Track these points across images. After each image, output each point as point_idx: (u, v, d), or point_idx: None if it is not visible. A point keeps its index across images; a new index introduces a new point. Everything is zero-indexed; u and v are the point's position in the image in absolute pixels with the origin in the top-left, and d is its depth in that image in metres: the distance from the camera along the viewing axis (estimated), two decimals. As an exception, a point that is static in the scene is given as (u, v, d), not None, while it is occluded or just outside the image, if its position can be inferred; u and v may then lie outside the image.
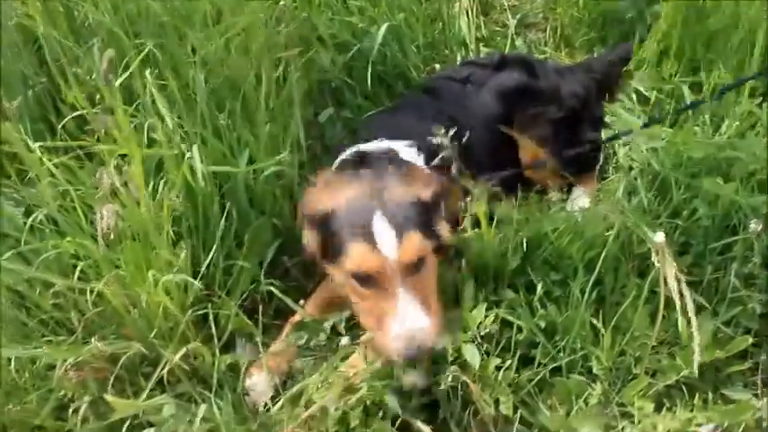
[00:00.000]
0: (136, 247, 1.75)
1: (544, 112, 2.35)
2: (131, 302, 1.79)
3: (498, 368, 1.73)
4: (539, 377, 1.77)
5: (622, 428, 1.74)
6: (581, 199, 2.32)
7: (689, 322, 1.60)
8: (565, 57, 2.95)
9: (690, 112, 2.33)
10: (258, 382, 1.85)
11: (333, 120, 2.38)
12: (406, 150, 1.99)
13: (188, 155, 1.86)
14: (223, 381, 1.80)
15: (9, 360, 1.77)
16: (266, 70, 2.06)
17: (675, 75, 2.60)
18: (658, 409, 1.76)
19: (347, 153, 2.02)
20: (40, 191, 1.76)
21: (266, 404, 1.83)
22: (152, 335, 1.75)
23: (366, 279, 1.67)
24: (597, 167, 2.38)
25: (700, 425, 1.69)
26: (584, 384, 1.76)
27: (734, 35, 2.47)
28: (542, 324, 1.79)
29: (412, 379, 1.68)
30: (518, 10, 3.16)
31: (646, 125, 2.31)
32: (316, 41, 2.43)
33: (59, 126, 1.97)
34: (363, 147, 2.01)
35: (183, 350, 1.68)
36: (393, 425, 1.71)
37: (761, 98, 2.35)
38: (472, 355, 1.70)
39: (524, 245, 1.87)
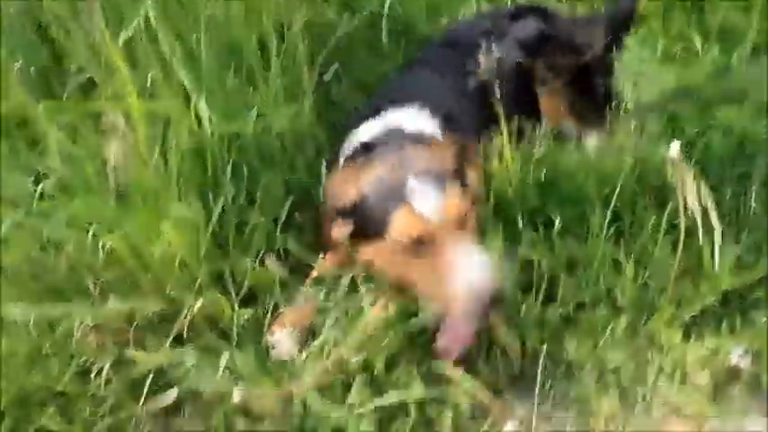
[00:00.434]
0: (147, 205, 1.73)
1: (563, 60, 2.33)
2: (146, 261, 1.77)
3: (523, 302, 1.72)
4: (563, 312, 1.75)
5: (651, 358, 1.72)
6: (595, 142, 2.30)
7: (712, 241, 1.57)
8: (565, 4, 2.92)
9: (699, 48, 2.31)
10: (281, 338, 1.83)
11: (338, 76, 2.36)
12: (416, 118, 1.96)
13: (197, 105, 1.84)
14: (244, 334, 1.79)
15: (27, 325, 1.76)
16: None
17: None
18: (686, 338, 1.74)
19: (355, 140, 1.95)
20: (48, 150, 1.75)
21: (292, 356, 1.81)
22: (168, 288, 1.73)
23: (416, 247, 1.64)
24: (609, 113, 2.37)
25: (729, 350, 1.67)
26: (609, 317, 1.74)
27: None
28: (563, 258, 1.77)
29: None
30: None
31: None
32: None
33: (64, 93, 1.95)
34: (368, 129, 1.96)
35: (201, 300, 1.66)
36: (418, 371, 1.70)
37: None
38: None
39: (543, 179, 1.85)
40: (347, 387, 1.69)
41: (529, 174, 1.88)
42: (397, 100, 2.01)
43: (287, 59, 2.14)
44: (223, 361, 1.64)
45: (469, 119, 2.05)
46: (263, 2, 2.13)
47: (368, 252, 1.75)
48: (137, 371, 1.69)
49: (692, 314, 1.75)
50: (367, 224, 1.71)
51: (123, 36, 1.78)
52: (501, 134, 1.84)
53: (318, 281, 1.91)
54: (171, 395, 1.73)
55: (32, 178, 1.96)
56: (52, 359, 1.76)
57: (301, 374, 1.73)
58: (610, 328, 1.73)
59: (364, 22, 2.47)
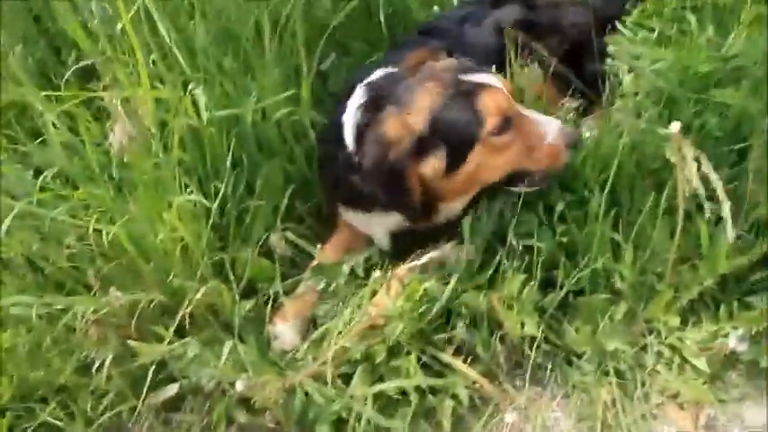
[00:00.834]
0: (148, 194, 1.73)
1: (546, 45, 2.32)
2: (147, 251, 1.78)
3: (522, 289, 1.72)
4: (562, 298, 1.76)
5: (650, 343, 1.73)
6: (588, 127, 2.30)
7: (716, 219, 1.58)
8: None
9: (694, 28, 2.30)
10: (283, 330, 1.85)
11: (335, 66, 2.36)
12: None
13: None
14: (245, 325, 1.79)
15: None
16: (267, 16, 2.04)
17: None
18: (684, 323, 1.75)
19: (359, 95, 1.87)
20: (49, 141, 1.74)
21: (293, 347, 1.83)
22: (170, 278, 1.73)
23: (505, 125, 1.69)
24: (603, 97, 2.35)
25: (727, 335, 1.69)
26: (608, 302, 1.75)
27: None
28: (563, 241, 1.79)
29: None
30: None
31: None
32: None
33: (62, 80, 1.94)
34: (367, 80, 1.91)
35: (204, 288, 1.67)
36: (419, 360, 1.71)
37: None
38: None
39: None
40: (349, 377, 1.70)
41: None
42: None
43: (284, 48, 2.14)
44: (225, 351, 1.65)
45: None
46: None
47: (470, 165, 1.71)
48: (138, 364, 1.70)
49: (691, 298, 1.75)
50: (456, 137, 1.69)
51: (121, 22, 1.76)
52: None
53: (318, 270, 1.91)
54: (172, 389, 1.74)
55: (32, 171, 1.97)
56: (53, 353, 1.77)
57: (303, 364, 1.75)
58: (609, 313, 1.74)
59: (360, 11, 2.46)
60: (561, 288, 1.76)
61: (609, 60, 2.45)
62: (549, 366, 1.76)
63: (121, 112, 1.55)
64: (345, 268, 1.90)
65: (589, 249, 1.76)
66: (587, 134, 2.19)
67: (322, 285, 1.90)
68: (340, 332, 1.76)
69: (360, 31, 2.49)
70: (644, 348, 1.74)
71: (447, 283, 1.73)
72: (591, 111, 2.34)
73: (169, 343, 1.71)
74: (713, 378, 1.70)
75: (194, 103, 1.91)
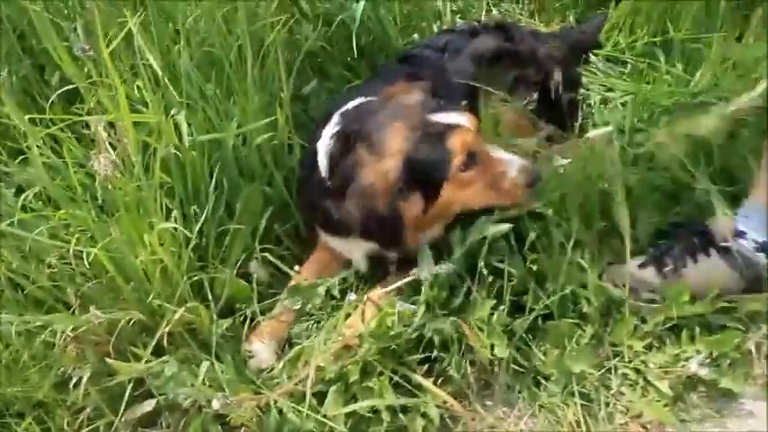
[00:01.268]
0: (130, 216, 1.76)
1: (523, 75, 2.39)
2: (127, 272, 1.81)
3: (492, 312, 1.78)
4: (531, 322, 1.82)
5: (615, 366, 1.79)
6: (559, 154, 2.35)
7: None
8: (539, 24, 2.99)
9: (663, 64, 2.39)
10: (259, 348, 1.89)
11: (317, 92, 2.41)
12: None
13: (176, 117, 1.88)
14: (223, 344, 1.82)
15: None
16: (249, 43, 2.09)
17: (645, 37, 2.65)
18: (648, 347, 1.82)
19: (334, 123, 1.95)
20: (32, 162, 1.78)
21: (269, 366, 1.86)
22: (150, 298, 1.77)
23: (471, 162, 1.77)
24: (576, 126, 2.42)
25: (689, 358, 1.75)
26: (575, 327, 1.81)
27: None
28: (532, 268, 1.85)
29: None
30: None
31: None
32: (297, 12, 2.46)
33: (47, 103, 1.98)
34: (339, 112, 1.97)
35: (183, 309, 1.71)
36: (391, 380, 1.75)
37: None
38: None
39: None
40: (323, 395, 1.74)
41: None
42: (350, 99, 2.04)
43: (266, 72, 2.19)
44: (202, 371, 1.69)
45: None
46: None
47: (442, 200, 1.80)
48: (116, 381, 1.72)
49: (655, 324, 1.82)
50: (428, 178, 1.77)
51: (107, 49, 1.80)
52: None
53: (295, 291, 1.95)
54: (149, 404, 1.77)
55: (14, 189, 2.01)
56: (31, 369, 1.78)
57: (278, 383, 1.79)
58: (575, 337, 1.79)
59: (340, 38, 2.52)
60: (530, 312, 1.82)
61: (582, 90, 2.54)
62: (518, 387, 1.81)
63: (106, 141, 1.59)
64: (321, 289, 1.95)
65: (557, 276, 1.81)
66: (558, 162, 2.26)
67: (298, 306, 1.95)
68: (315, 352, 1.81)
69: (340, 57, 2.55)
70: (609, 371, 1.79)
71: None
72: (564, 139, 2.41)
73: (147, 361, 1.73)
74: (675, 399, 1.75)
75: (176, 127, 1.96)
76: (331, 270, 2.05)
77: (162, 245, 1.77)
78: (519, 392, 1.80)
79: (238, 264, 1.98)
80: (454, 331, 1.76)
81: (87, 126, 1.98)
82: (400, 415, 1.71)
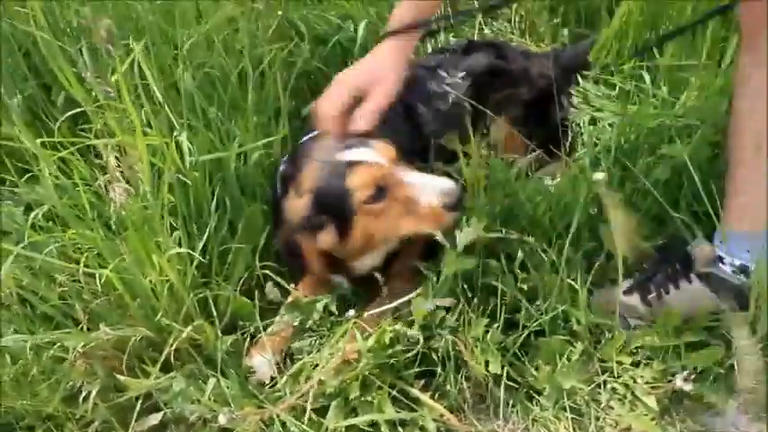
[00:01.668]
0: (139, 236, 1.82)
1: (515, 93, 2.45)
2: (135, 290, 1.87)
3: (486, 330, 1.85)
4: (523, 338, 1.88)
5: (604, 382, 1.87)
6: (549, 174, 2.43)
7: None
8: (530, 43, 3.07)
9: (649, 87, 2.47)
10: (260, 362, 1.95)
11: (315, 113, 2.48)
12: None
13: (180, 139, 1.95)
14: (228, 360, 1.89)
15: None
16: (249, 65, 2.16)
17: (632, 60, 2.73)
18: (636, 363, 1.89)
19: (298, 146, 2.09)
20: (43, 184, 1.84)
21: (272, 378, 1.93)
22: (158, 316, 1.83)
23: (378, 194, 1.80)
24: (566, 144, 2.49)
25: (675, 374, 1.83)
26: (566, 343, 1.88)
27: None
28: (524, 288, 1.91)
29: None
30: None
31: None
32: (295, 36, 2.53)
33: (55, 124, 2.04)
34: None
35: (191, 327, 1.78)
36: (389, 394, 1.82)
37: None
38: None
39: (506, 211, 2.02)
40: (324, 409, 1.80)
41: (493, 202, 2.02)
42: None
43: (266, 93, 2.26)
44: (209, 387, 1.75)
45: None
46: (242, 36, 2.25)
47: (357, 232, 1.85)
48: (125, 396, 1.78)
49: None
50: (336, 212, 1.84)
51: (114, 75, 1.87)
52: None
53: (293, 307, 2.01)
54: (155, 418, 1.82)
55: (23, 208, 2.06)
56: (41, 384, 1.84)
57: (280, 398, 1.85)
58: (566, 353, 1.87)
59: (337, 58, 2.59)
60: (523, 329, 1.89)
61: (572, 110, 2.61)
62: (512, 402, 1.87)
63: (117, 170, 1.65)
64: (319, 306, 2.01)
65: (548, 295, 1.89)
66: (548, 182, 2.33)
67: (297, 322, 2.01)
68: (316, 366, 1.87)
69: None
70: (599, 386, 1.86)
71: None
72: (553, 155, 2.48)
73: (155, 377, 1.80)
74: (662, 413, 1.83)
75: (178, 148, 2.02)
76: (325, 288, 2.12)
77: (169, 262, 1.83)
78: (513, 407, 1.87)
79: (241, 281, 2.05)
80: (450, 348, 1.83)
81: (94, 146, 2.05)
82: (399, 428, 1.78)
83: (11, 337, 1.81)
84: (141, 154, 1.78)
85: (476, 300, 1.89)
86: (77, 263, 1.84)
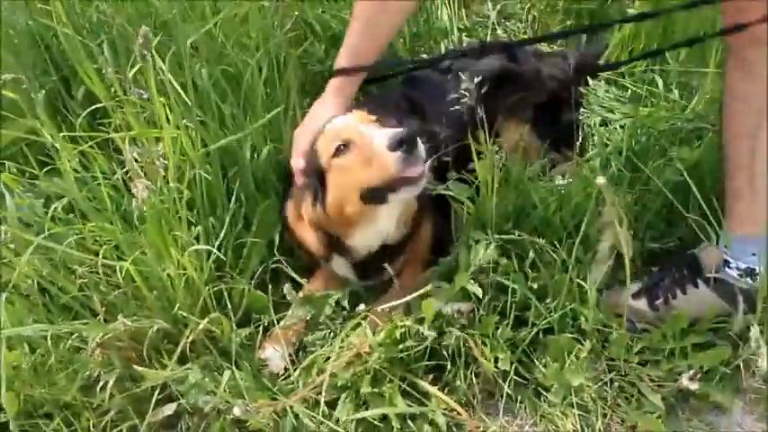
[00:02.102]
0: (158, 229, 1.86)
1: (527, 95, 2.47)
2: (152, 283, 1.91)
3: (496, 327, 1.89)
4: (533, 336, 1.92)
5: (611, 380, 1.90)
6: (560, 173, 2.45)
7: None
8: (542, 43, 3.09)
9: (661, 90, 2.49)
10: (272, 355, 1.98)
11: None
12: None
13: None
14: (242, 352, 1.92)
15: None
16: (264, 63, 2.20)
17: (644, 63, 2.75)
18: (642, 362, 1.93)
19: None
20: (64, 177, 1.88)
21: (285, 370, 1.96)
22: (175, 309, 1.86)
23: (343, 147, 1.88)
24: (577, 146, 2.51)
25: (681, 373, 1.86)
26: (574, 342, 1.91)
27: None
28: (534, 287, 1.94)
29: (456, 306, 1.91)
30: (498, 1, 3.31)
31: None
32: (309, 34, 2.57)
33: (77, 120, 2.07)
34: None
35: (207, 319, 1.81)
36: (399, 388, 1.85)
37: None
38: (474, 290, 1.88)
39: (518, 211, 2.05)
40: (336, 401, 1.84)
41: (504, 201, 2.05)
42: None
43: (281, 91, 2.29)
44: (225, 379, 1.78)
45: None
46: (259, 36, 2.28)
47: (331, 191, 1.92)
48: (142, 387, 1.82)
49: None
50: (313, 173, 1.95)
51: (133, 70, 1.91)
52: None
53: (305, 301, 2.05)
54: (170, 408, 1.86)
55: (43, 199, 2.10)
56: (59, 373, 1.88)
57: (293, 390, 1.89)
58: (575, 351, 1.90)
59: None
60: (533, 327, 1.92)
61: (583, 112, 2.64)
62: (520, 398, 1.91)
63: (138, 168, 1.69)
64: (331, 300, 2.05)
65: (558, 294, 1.92)
66: (559, 181, 2.36)
67: (309, 316, 2.05)
68: (328, 359, 1.91)
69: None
70: (606, 384, 1.90)
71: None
72: (564, 156, 2.51)
73: (171, 368, 1.83)
74: (668, 411, 1.86)
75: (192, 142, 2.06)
76: (336, 283, 2.16)
77: (189, 256, 1.87)
78: (521, 403, 1.91)
79: (256, 275, 2.08)
80: (461, 344, 1.87)
81: (112, 140, 2.09)
82: (409, 422, 1.82)
83: (30, 327, 1.84)
84: (166, 147, 1.80)
85: (486, 297, 1.92)
86: (96, 255, 1.88)
